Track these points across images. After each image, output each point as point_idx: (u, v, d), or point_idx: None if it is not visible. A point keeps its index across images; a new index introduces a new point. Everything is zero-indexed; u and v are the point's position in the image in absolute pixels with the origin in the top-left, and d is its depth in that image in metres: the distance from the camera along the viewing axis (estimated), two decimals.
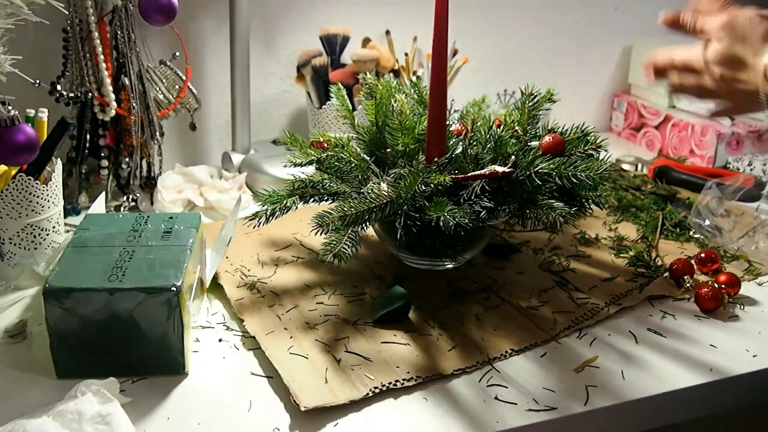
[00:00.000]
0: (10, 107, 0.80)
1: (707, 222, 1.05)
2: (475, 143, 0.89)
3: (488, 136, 0.88)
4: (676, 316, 0.88)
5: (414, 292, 0.88)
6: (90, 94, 1.05)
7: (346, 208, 0.80)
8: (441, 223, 0.77)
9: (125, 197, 1.11)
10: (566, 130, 0.90)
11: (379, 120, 0.92)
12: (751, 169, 1.28)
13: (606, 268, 0.97)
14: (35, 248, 0.90)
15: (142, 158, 1.11)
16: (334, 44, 1.24)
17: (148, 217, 0.85)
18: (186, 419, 0.69)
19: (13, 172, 0.89)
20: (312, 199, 0.89)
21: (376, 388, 0.72)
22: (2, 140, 0.79)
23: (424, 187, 0.80)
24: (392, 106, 0.90)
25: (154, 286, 0.71)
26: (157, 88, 1.11)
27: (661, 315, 0.88)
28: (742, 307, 0.90)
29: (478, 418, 0.70)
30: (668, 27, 0.84)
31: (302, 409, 0.69)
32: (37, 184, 0.88)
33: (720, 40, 0.79)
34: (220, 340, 0.81)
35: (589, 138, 0.89)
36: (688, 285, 0.91)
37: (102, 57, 1.04)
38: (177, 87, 1.13)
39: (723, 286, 0.90)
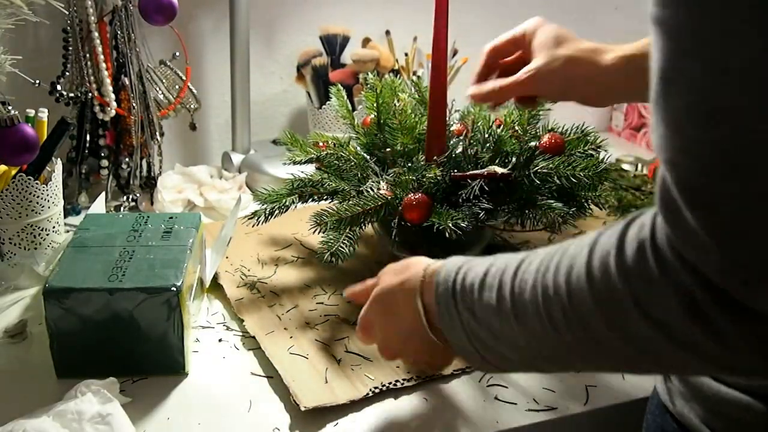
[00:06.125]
0: (10, 107, 0.80)
1: None
2: (475, 143, 0.89)
3: (488, 136, 0.88)
4: None
5: None
6: (90, 94, 1.05)
7: (344, 208, 0.80)
8: (446, 234, 0.77)
9: (125, 197, 1.11)
10: (566, 130, 0.90)
11: (381, 117, 0.92)
12: None
13: None
14: (35, 248, 0.90)
15: (142, 158, 1.10)
16: (334, 44, 1.24)
17: (148, 217, 0.85)
18: (186, 419, 0.69)
19: (13, 172, 0.89)
20: (311, 198, 0.89)
21: (376, 388, 0.72)
22: (2, 140, 0.79)
23: (417, 184, 0.80)
24: (395, 105, 0.90)
25: (154, 286, 0.71)
26: (157, 88, 1.11)
27: None
28: None
29: (478, 418, 0.70)
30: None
31: (302, 409, 0.69)
32: (37, 184, 0.88)
33: None
34: (220, 340, 0.81)
35: (589, 138, 0.89)
36: None
37: (102, 57, 1.04)
38: (177, 87, 1.13)
39: None
